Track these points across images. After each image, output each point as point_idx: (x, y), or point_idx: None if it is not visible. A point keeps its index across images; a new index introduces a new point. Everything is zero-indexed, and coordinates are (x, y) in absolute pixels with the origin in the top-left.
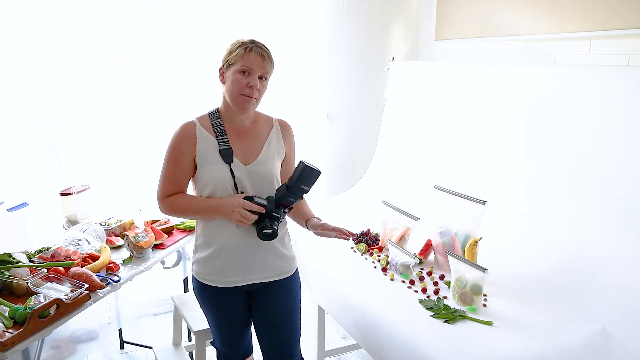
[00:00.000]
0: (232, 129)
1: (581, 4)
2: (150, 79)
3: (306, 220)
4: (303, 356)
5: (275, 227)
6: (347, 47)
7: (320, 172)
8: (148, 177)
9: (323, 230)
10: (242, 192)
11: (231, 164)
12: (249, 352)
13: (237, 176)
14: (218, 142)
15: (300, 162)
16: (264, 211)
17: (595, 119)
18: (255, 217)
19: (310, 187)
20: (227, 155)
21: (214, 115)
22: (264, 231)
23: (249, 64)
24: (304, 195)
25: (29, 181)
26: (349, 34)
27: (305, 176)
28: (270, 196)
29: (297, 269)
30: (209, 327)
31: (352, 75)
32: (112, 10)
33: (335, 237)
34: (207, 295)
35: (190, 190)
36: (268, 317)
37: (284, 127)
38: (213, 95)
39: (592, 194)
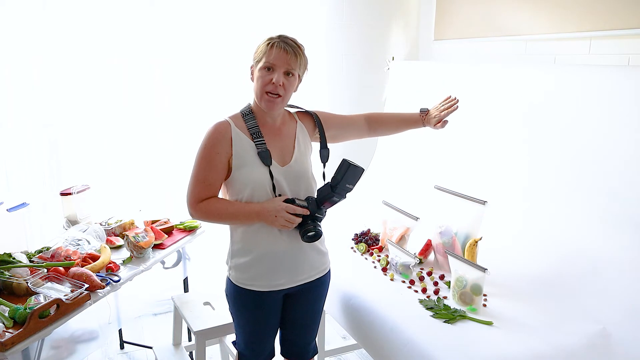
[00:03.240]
0: (265, 129)
1: (581, 4)
2: (150, 79)
3: (415, 121)
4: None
5: (319, 228)
6: (347, 47)
7: (363, 170)
8: (148, 177)
9: (440, 116)
10: (279, 195)
11: (270, 166)
12: (274, 353)
13: (275, 178)
14: (255, 144)
15: (344, 160)
16: (308, 213)
17: (595, 119)
18: (299, 220)
19: (354, 185)
20: (265, 157)
21: (248, 115)
22: (309, 234)
23: (271, 59)
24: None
25: (29, 181)
26: (349, 34)
27: (350, 175)
28: (309, 197)
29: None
30: (233, 329)
31: (352, 75)
32: (112, 10)
33: (447, 112)
34: (246, 300)
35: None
36: (300, 314)
37: (303, 119)
38: (213, 94)
39: (592, 194)
